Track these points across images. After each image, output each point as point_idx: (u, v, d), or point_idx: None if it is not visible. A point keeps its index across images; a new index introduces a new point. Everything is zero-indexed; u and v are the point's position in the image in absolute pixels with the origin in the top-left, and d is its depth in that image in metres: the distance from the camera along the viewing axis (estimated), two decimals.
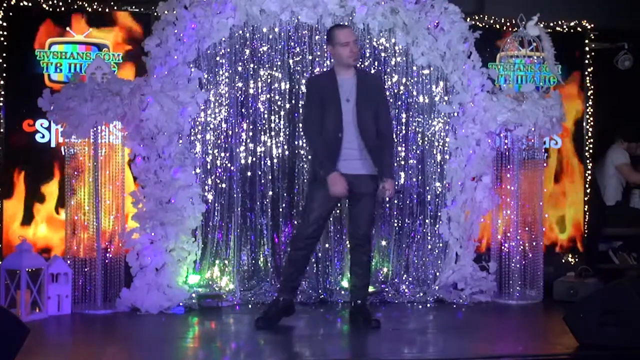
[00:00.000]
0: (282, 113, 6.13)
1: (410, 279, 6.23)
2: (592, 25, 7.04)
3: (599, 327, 4.41)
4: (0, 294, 5.34)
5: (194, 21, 5.84)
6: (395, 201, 6.24)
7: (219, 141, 6.06)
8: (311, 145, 5.40)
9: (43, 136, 6.19)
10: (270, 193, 6.11)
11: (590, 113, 7.03)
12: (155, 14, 6.00)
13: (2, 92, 6.10)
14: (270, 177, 6.11)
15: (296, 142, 6.12)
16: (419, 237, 6.28)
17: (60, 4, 6.19)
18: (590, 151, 7.05)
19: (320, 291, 6.04)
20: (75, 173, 5.69)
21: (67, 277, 5.53)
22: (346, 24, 5.86)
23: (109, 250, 5.70)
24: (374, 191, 5.15)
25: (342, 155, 5.05)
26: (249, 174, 6.11)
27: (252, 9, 5.96)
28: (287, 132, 6.13)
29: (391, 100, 6.25)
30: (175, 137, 5.75)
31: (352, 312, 5.24)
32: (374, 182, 5.11)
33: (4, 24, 6.10)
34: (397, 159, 6.26)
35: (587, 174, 7.03)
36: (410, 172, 6.29)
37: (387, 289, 6.11)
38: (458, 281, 6.14)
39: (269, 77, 6.11)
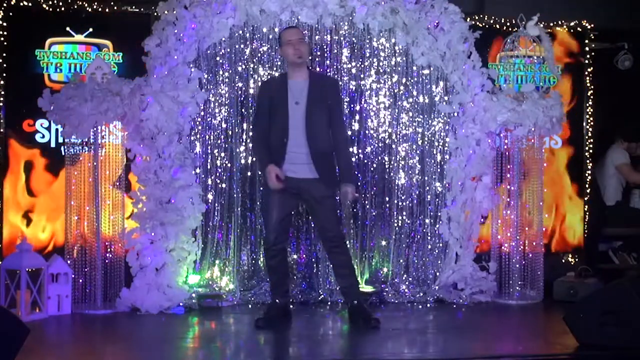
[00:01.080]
0: None
1: (410, 279, 6.23)
2: (592, 25, 7.05)
3: (599, 327, 4.41)
4: (0, 294, 5.34)
5: (194, 21, 5.84)
6: (395, 201, 6.24)
7: (219, 141, 6.06)
8: (253, 148, 5.72)
9: (43, 136, 6.19)
10: None
11: (590, 113, 7.04)
12: (155, 14, 6.00)
13: (2, 92, 6.11)
14: None
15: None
16: (419, 237, 6.28)
17: (60, 4, 6.20)
18: (590, 151, 7.05)
19: (320, 291, 6.04)
20: (76, 173, 5.69)
21: (67, 277, 5.53)
22: (295, 25, 5.85)
23: (109, 250, 5.70)
24: (329, 192, 5.15)
25: (287, 159, 5.05)
26: (249, 174, 6.11)
27: (252, 9, 5.96)
28: None
29: (391, 100, 6.26)
30: (175, 137, 5.75)
31: (350, 312, 5.24)
32: (323, 184, 5.10)
33: (4, 24, 6.11)
34: (397, 158, 6.26)
35: (587, 174, 7.03)
36: (410, 172, 6.29)
37: (387, 289, 6.11)
38: (458, 281, 6.14)
39: (269, 77, 6.10)
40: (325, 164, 5.13)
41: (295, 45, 5.12)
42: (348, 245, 5.55)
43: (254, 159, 5.98)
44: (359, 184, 6.20)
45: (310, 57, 6.13)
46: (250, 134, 5.98)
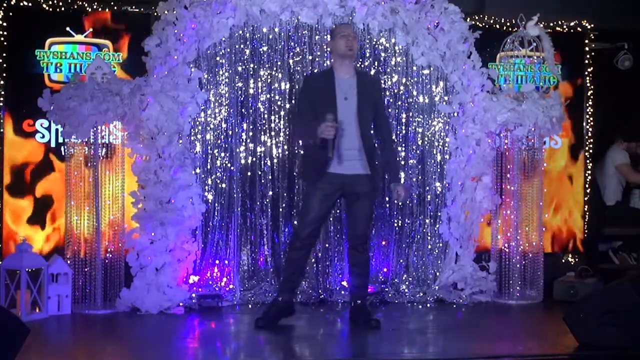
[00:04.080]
0: (282, 113, 6.13)
1: (410, 279, 6.23)
2: (592, 25, 7.05)
3: (599, 327, 4.41)
4: (0, 294, 5.34)
5: (194, 21, 5.84)
6: (395, 201, 6.24)
7: (219, 141, 6.06)
8: (301, 136, 5.53)
9: (43, 136, 6.19)
10: (270, 193, 6.10)
11: (590, 113, 7.04)
12: (155, 14, 6.00)
13: (2, 92, 6.11)
14: (270, 177, 6.11)
15: (296, 142, 6.12)
16: (419, 237, 6.28)
17: (60, 4, 6.20)
18: (590, 151, 7.05)
19: (320, 291, 6.04)
20: (76, 173, 5.69)
21: (67, 277, 5.53)
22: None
23: (109, 250, 5.70)
24: (371, 191, 5.16)
25: (336, 154, 4.98)
26: (249, 174, 6.11)
27: (252, 9, 5.96)
28: (287, 132, 6.13)
29: (391, 100, 6.26)
30: (175, 137, 5.74)
31: (352, 312, 5.24)
32: (370, 181, 5.11)
33: (4, 24, 6.11)
34: (397, 158, 6.26)
35: (587, 174, 7.03)
36: (410, 172, 6.29)
37: (387, 289, 6.11)
38: (458, 281, 6.14)
39: (269, 77, 6.10)
40: (373, 160, 5.13)
41: (348, 38, 5.12)
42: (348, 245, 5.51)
43: (300, 143, 5.88)
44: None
45: (310, 57, 6.14)
46: (293, 128, 5.94)
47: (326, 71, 5.36)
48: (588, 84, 7.03)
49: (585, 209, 7.02)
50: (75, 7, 6.23)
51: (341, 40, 5.12)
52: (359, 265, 5.21)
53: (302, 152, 5.86)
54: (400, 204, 6.11)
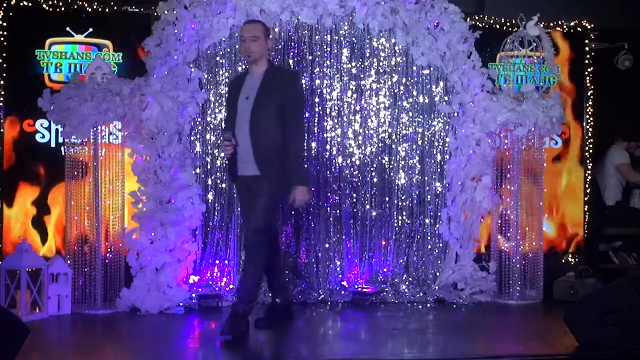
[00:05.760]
0: None
1: (410, 279, 6.23)
2: (592, 25, 7.05)
3: (599, 327, 4.41)
4: (0, 294, 5.34)
5: (194, 21, 5.84)
6: (395, 201, 6.24)
7: (219, 141, 6.07)
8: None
9: (43, 136, 6.19)
10: None
11: (590, 113, 7.04)
12: (155, 14, 6.01)
13: (2, 92, 6.11)
14: None
15: None
16: (419, 237, 6.28)
17: (60, 4, 6.20)
18: (590, 151, 7.05)
19: (320, 291, 6.04)
20: (75, 173, 5.69)
21: (67, 277, 5.53)
22: (255, 19, 5.55)
23: (109, 250, 5.69)
24: (267, 189, 4.85)
25: (238, 157, 4.93)
26: None
27: (252, 9, 5.96)
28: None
29: (391, 100, 6.26)
30: (175, 137, 5.75)
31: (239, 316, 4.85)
32: (263, 181, 4.87)
33: (4, 24, 6.11)
34: (397, 158, 6.26)
35: (587, 174, 7.03)
36: (410, 172, 6.29)
37: (387, 289, 6.11)
38: (458, 281, 6.14)
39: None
40: (270, 160, 4.86)
41: (245, 42, 5.00)
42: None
43: None
44: (359, 184, 6.20)
45: (310, 57, 6.14)
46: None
47: (243, 72, 5.38)
48: (588, 84, 7.03)
49: (586, 209, 7.02)
50: (75, 7, 6.24)
51: (241, 44, 5.08)
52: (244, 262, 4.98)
53: None
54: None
